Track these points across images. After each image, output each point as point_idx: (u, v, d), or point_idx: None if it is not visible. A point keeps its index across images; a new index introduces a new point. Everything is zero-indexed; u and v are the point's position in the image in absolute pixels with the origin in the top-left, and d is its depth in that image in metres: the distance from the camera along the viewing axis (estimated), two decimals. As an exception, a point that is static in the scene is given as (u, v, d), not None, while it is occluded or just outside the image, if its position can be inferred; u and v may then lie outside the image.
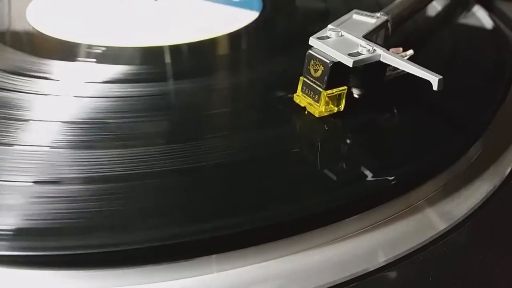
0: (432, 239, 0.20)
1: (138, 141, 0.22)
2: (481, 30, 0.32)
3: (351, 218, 0.19)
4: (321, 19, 0.34)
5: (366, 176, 0.20)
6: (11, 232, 0.17)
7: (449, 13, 0.35)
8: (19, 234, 0.17)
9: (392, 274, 0.19)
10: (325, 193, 0.19)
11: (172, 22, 0.33)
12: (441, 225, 0.21)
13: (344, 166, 0.21)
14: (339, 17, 0.25)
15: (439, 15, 0.34)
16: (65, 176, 0.19)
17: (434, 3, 0.34)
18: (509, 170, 0.24)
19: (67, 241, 0.17)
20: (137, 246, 0.17)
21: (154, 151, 0.21)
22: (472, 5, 0.35)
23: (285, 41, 0.31)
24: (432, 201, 0.21)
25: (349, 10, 0.26)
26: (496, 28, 0.32)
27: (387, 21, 0.26)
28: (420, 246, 0.20)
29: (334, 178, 0.20)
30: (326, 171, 0.20)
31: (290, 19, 0.35)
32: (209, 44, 0.31)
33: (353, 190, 0.20)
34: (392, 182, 0.20)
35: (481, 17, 0.33)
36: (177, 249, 0.17)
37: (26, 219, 0.18)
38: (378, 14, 0.26)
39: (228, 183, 0.20)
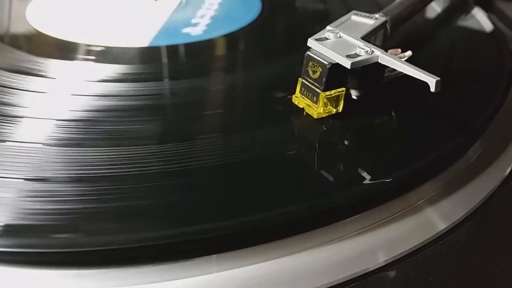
0: (432, 239, 0.20)
1: (137, 140, 0.22)
2: (480, 31, 0.32)
3: (351, 218, 0.19)
4: (321, 20, 0.34)
5: (366, 176, 0.20)
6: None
7: (448, 14, 0.35)
8: (7, 230, 0.17)
9: (392, 274, 0.19)
10: (325, 193, 0.20)
11: (171, 22, 0.33)
12: (441, 225, 0.21)
13: (344, 167, 0.21)
14: (338, 18, 0.26)
15: (439, 16, 0.35)
16: (57, 174, 0.19)
17: (433, 4, 0.34)
18: (509, 170, 0.24)
19: (65, 240, 0.17)
20: (137, 245, 0.17)
21: (152, 151, 0.21)
22: (471, 7, 0.35)
23: (284, 41, 0.31)
24: (432, 201, 0.21)
25: (348, 10, 0.26)
26: (495, 29, 0.32)
27: (385, 22, 0.26)
28: (420, 246, 0.20)
29: (334, 178, 0.20)
30: (325, 171, 0.21)
31: (289, 20, 0.35)
32: (208, 45, 0.31)
33: (353, 190, 0.20)
34: (392, 182, 0.20)
35: (480, 18, 0.33)
36: (176, 250, 0.17)
37: (15, 216, 0.18)
38: (377, 15, 0.26)
39: (227, 184, 0.20)
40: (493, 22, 0.33)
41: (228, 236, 0.18)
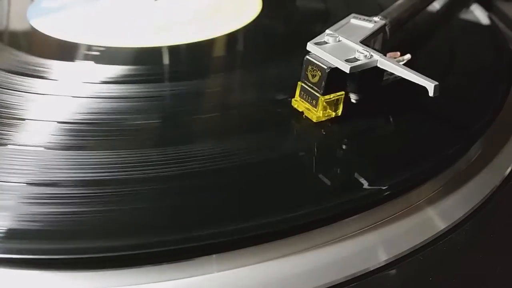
0: (432, 239, 0.20)
1: (138, 143, 0.22)
2: (480, 31, 0.32)
3: (351, 218, 0.20)
4: (322, 21, 0.34)
5: (366, 177, 0.20)
6: (1, 234, 0.17)
7: (448, 14, 0.35)
8: (9, 235, 0.17)
9: (392, 274, 0.19)
10: (325, 194, 0.20)
11: (171, 23, 0.33)
12: (441, 225, 0.21)
13: (344, 168, 0.21)
14: (339, 20, 0.26)
15: (438, 16, 0.35)
16: (59, 178, 0.20)
17: (433, 4, 0.34)
18: (509, 170, 0.24)
19: (71, 244, 0.17)
20: (136, 251, 0.17)
21: (152, 154, 0.21)
22: (471, 7, 0.35)
23: (284, 43, 0.31)
24: (432, 201, 0.22)
25: (349, 10, 0.26)
26: (495, 29, 0.32)
27: (385, 25, 0.26)
28: (420, 246, 0.20)
29: (334, 179, 0.20)
30: (325, 173, 0.21)
31: (290, 21, 0.35)
32: (208, 45, 0.31)
33: (354, 190, 0.20)
34: (392, 183, 0.20)
35: (480, 18, 0.33)
36: (177, 251, 0.17)
37: (18, 221, 0.18)
38: (376, 18, 0.26)
39: (226, 187, 0.20)
40: (493, 22, 0.33)
41: (229, 238, 0.18)
